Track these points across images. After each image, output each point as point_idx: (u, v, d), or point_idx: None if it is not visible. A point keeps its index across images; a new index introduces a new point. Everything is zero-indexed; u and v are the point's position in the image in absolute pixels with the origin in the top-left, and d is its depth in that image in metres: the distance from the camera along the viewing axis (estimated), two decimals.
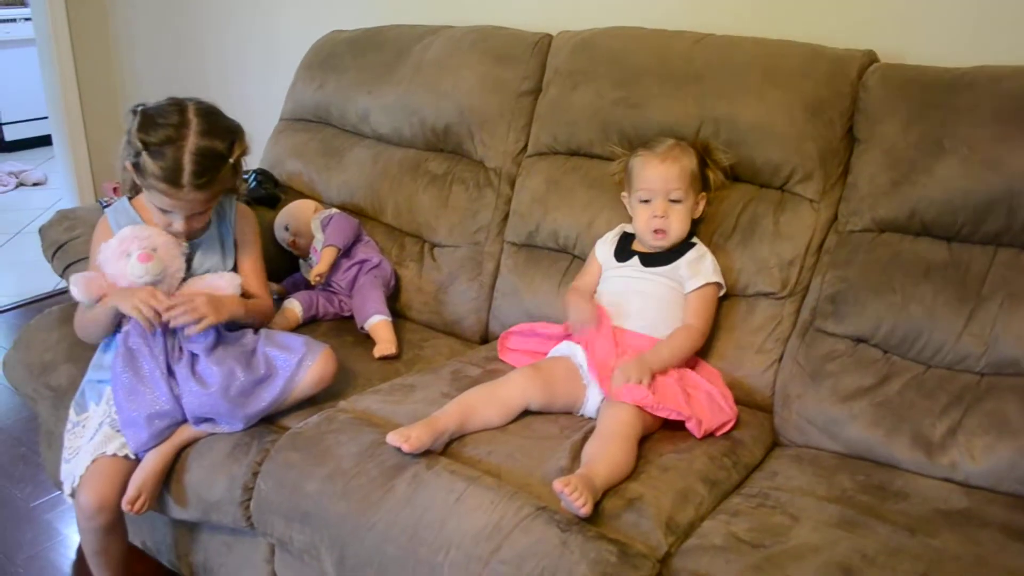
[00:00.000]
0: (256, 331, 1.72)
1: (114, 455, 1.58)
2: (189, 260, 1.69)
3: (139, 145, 1.55)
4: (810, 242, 1.71)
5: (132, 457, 1.59)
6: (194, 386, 1.58)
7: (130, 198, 1.72)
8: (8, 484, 2.29)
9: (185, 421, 1.62)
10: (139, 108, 1.60)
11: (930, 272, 1.58)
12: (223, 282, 1.69)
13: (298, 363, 1.63)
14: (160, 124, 1.55)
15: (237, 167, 1.66)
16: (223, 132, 1.61)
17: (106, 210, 1.73)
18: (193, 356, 1.62)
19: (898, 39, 1.79)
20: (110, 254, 1.62)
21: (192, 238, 1.70)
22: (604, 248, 1.80)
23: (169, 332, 1.62)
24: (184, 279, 1.68)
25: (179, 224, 1.62)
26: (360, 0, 2.70)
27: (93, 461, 1.58)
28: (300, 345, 1.65)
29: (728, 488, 1.48)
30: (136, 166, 1.57)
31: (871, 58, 1.74)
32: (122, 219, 1.70)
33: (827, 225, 1.72)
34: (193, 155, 1.54)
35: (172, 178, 1.54)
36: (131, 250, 1.60)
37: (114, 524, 1.62)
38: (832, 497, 1.42)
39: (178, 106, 1.59)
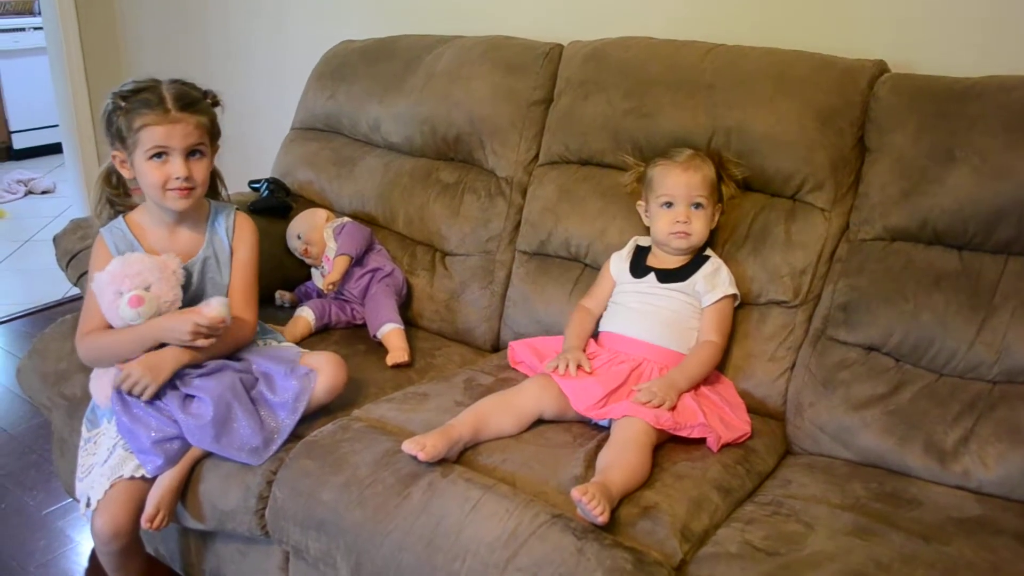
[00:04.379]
0: (242, 358, 1.69)
1: (131, 477, 1.58)
2: (187, 284, 1.67)
3: (118, 103, 1.58)
4: (822, 251, 1.72)
5: (148, 477, 1.59)
6: (188, 420, 1.57)
7: (124, 215, 1.71)
8: (20, 491, 2.29)
9: None
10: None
11: (941, 281, 1.59)
12: (212, 312, 1.61)
13: (293, 406, 1.61)
14: (132, 83, 1.61)
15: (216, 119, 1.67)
16: (192, 85, 1.65)
17: (101, 229, 1.70)
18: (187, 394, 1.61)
19: (908, 49, 1.80)
20: (104, 287, 1.59)
21: (186, 231, 1.68)
22: (619, 264, 1.80)
23: None
24: (182, 306, 1.64)
25: (179, 166, 1.58)
26: (371, 10, 2.72)
27: (112, 485, 1.57)
28: (291, 392, 1.62)
29: (742, 496, 1.49)
30: (120, 131, 1.58)
31: (882, 68, 1.75)
32: (118, 238, 1.68)
33: (839, 234, 1.72)
34: (170, 88, 1.60)
35: (157, 105, 1.57)
36: (122, 289, 1.57)
37: (130, 545, 1.61)
38: (846, 505, 1.42)
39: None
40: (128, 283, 1.57)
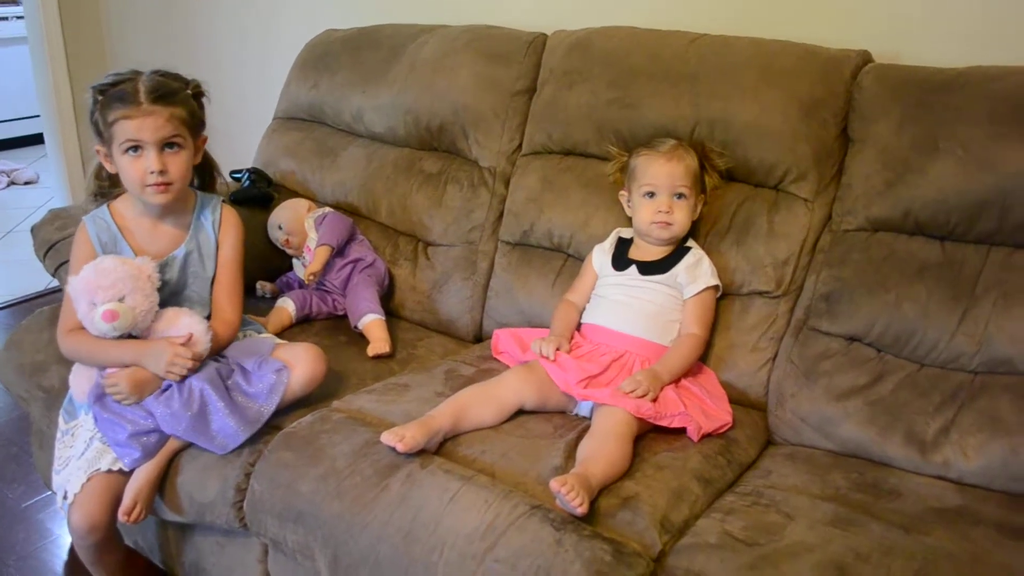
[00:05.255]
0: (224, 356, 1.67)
1: (109, 470, 1.56)
2: (169, 277, 1.66)
3: (95, 96, 1.56)
4: (804, 241, 1.71)
5: (126, 470, 1.57)
6: (162, 409, 1.56)
7: (108, 203, 1.69)
8: (0, 484, 2.27)
9: None
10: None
11: (924, 271, 1.59)
12: (194, 333, 1.60)
13: (268, 397, 1.59)
14: (111, 76, 1.58)
15: (199, 104, 1.65)
16: (174, 76, 1.62)
17: (84, 218, 1.67)
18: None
19: (892, 39, 1.80)
20: (79, 295, 1.56)
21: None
22: (601, 256, 1.79)
23: None
24: (164, 295, 1.63)
25: (153, 160, 1.55)
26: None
27: (89, 479, 1.55)
28: (265, 383, 1.60)
29: (722, 486, 1.48)
30: (97, 126, 1.57)
31: (865, 58, 1.74)
32: (101, 228, 1.65)
33: (821, 224, 1.72)
34: (147, 80, 1.57)
35: (129, 98, 1.54)
36: (96, 301, 1.54)
37: (108, 538, 1.60)
38: (826, 495, 1.42)
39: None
40: (102, 295, 1.54)
